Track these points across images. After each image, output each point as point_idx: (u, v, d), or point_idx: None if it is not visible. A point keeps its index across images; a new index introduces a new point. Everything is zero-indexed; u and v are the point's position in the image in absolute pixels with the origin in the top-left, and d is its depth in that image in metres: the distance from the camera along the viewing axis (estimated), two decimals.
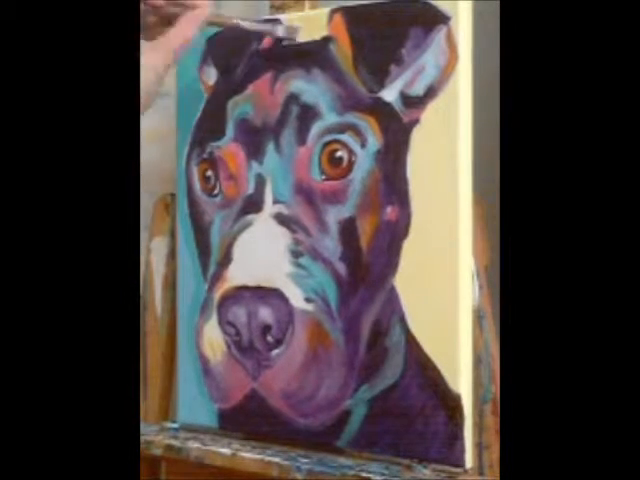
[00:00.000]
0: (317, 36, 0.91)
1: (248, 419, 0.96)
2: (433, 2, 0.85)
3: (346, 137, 0.89)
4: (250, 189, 0.95)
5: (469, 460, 0.84)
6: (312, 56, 0.91)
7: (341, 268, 0.90)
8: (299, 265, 0.91)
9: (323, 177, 0.90)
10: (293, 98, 0.92)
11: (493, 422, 0.86)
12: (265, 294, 0.92)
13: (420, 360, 0.86)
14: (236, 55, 0.97)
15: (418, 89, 0.86)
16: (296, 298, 0.91)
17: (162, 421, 1.05)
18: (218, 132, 0.98)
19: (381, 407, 0.88)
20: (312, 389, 0.91)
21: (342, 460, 0.89)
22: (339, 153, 0.89)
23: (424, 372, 0.86)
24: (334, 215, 0.90)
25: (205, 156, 0.99)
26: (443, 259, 0.84)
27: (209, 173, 0.98)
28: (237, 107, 0.96)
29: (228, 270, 0.96)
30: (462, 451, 0.84)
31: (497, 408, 0.86)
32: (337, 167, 0.89)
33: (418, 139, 0.86)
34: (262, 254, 0.93)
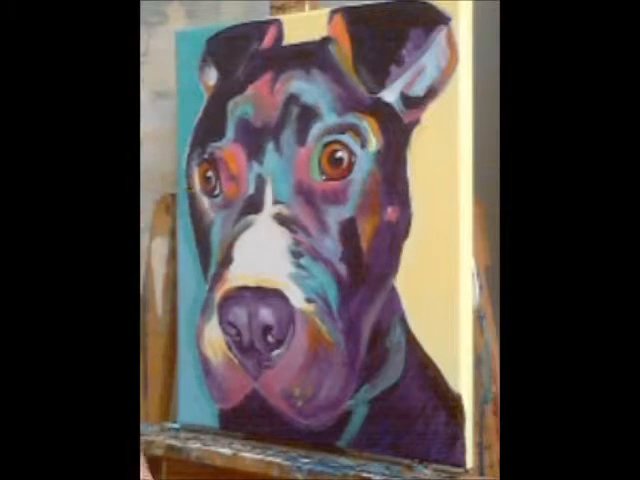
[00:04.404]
0: (317, 36, 0.91)
1: (249, 419, 0.96)
2: (433, 2, 0.85)
3: (346, 137, 0.89)
4: (250, 189, 0.95)
5: (470, 460, 0.84)
6: (312, 56, 0.91)
7: (342, 268, 0.90)
8: (300, 265, 0.91)
9: (323, 177, 0.90)
10: (293, 98, 0.92)
11: (494, 422, 0.86)
12: (266, 294, 0.92)
13: (421, 360, 0.86)
14: (236, 56, 0.97)
15: (418, 90, 0.86)
16: (297, 298, 0.91)
17: (163, 421, 1.05)
18: (218, 133, 0.98)
19: (382, 407, 0.88)
20: (313, 389, 0.91)
21: (343, 460, 0.89)
22: (339, 153, 0.89)
23: (425, 372, 0.86)
24: (334, 215, 0.90)
25: (206, 156, 0.99)
26: (443, 259, 0.84)
27: (210, 173, 0.99)
28: (237, 108, 0.96)
29: (229, 270, 0.96)
30: (463, 451, 0.84)
31: (498, 408, 0.86)
32: (337, 167, 0.89)
33: (418, 139, 0.86)
34: (262, 254, 0.93)
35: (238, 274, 0.95)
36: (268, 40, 0.95)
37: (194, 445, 0.96)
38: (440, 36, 0.85)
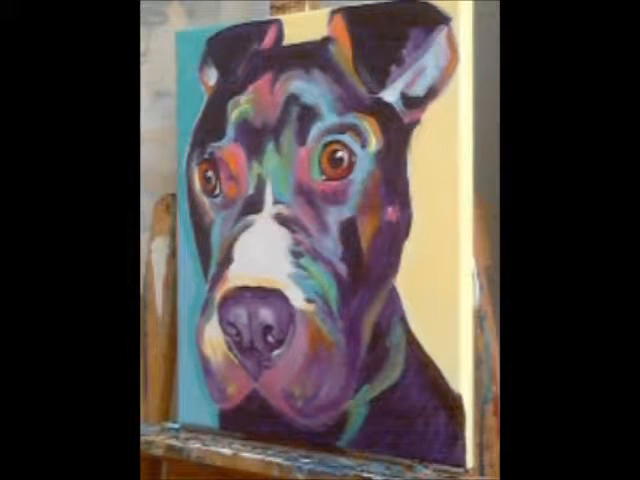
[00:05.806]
0: (317, 36, 0.91)
1: (249, 419, 0.96)
2: (433, 2, 0.85)
3: (346, 137, 0.89)
4: (250, 189, 0.95)
5: (470, 460, 0.84)
6: (312, 57, 0.91)
7: (342, 269, 0.90)
8: (300, 265, 0.91)
9: (323, 177, 0.90)
10: (293, 98, 0.92)
11: (494, 422, 0.86)
12: (266, 294, 0.92)
13: (421, 360, 0.86)
14: (236, 56, 0.97)
15: (419, 90, 0.86)
16: (297, 298, 0.91)
17: (163, 421, 1.05)
18: (218, 132, 0.98)
19: (382, 407, 0.88)
20: (313, 389, 0.91)
21: (343, 460, 0.89)
22: (339, 154, 0.89)
23: (425, 372, 0.86)
24: (334, 216, 0.90)
25: (206, 156, 0.99)
26: (444, 259, 0.84)
27: (210, 173, 0.99)
28: (237, 108, 0.96)
29: (229, 270, 0.96)
30: (463, 451, 0.84)
31: (498, 408, 0.86)
32: (337, 167, 0.89)
33: (419, 140, 0.86)
34: (263, 254, 0.93)
35: (238, 274, 0.95)
36: (268, 40, 0.95)
37: (194, 445, 0.96)
38: (440, 36, 0.85)
